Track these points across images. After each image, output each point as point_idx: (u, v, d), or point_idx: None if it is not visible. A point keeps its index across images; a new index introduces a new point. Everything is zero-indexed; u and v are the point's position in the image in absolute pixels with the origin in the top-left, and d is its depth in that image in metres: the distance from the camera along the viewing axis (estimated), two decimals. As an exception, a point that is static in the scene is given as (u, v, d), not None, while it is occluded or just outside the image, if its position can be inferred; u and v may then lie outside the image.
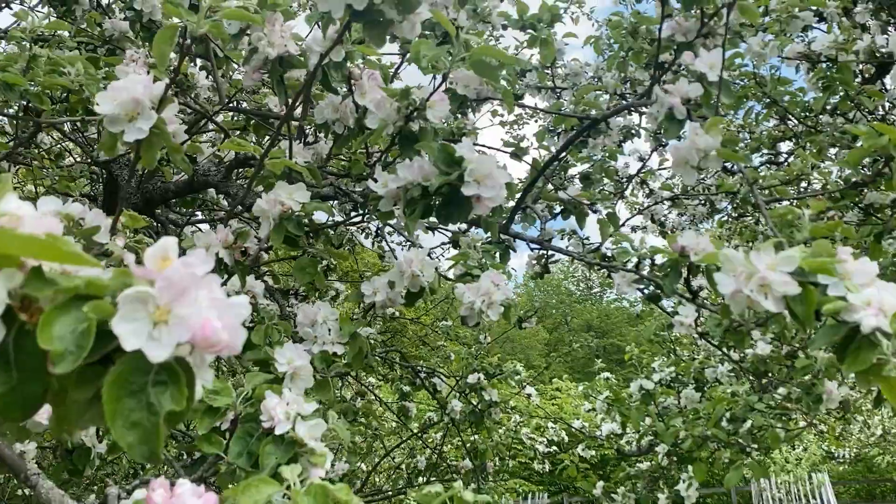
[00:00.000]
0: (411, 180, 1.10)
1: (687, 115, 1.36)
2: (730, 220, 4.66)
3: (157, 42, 0.89)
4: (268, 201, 1.25)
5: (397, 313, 4.28)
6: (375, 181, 1.16)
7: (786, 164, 4.33)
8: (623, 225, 2.14)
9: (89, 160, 2.61)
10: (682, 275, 1.46)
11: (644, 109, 3.35)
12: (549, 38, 2.02)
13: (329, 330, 1.52)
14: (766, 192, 2.16)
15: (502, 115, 3.22)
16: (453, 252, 1.81)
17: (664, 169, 4.64)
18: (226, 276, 1.30)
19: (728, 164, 2.71)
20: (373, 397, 4.14)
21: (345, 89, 1.45)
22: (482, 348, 4.30)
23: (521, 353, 21.47)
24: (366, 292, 1.57)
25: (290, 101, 1.46)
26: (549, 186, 2.37)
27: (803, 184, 3.46)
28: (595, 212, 2.08)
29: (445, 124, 1.69)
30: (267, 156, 1.21)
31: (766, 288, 0.90)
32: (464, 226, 2.01)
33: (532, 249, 2.14)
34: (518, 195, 2.03)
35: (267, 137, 2.25)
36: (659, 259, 1.61)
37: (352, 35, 1.37)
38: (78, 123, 1.93)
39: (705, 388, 3.64)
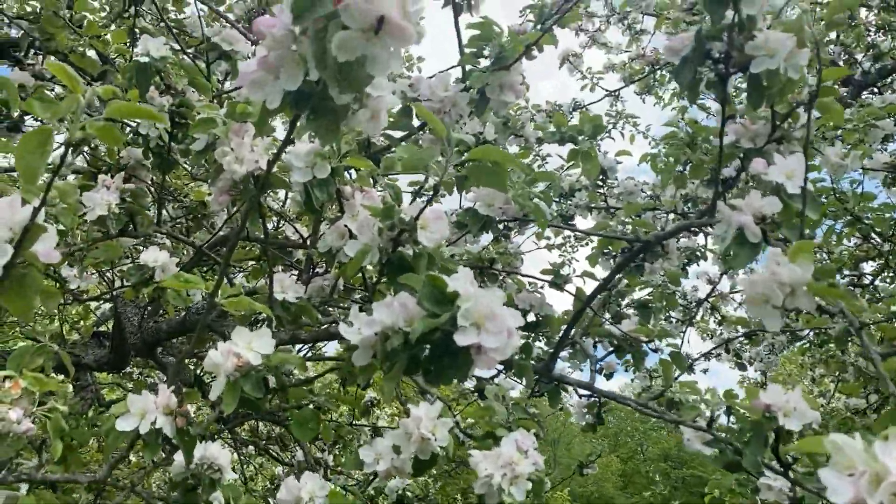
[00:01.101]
0: (390, 325, 0.81)
1: (762, 237, 1.05)
2: (812, 346, 4.21)
3: (22, 152, 0.65)
4: (222, 353, 0.98)
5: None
6: (350, 324, 0.88)
7: (871, 286, 3.91)
8: (694, 364, 1.79)
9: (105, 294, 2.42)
10: (768, 441, 1.12)
11: (708, 229, 3.04)
12: (591, 152, 1.76)
13: (316, 510, 1.21)
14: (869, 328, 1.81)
15: (548, 238, 2.95)
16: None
17: (738, 292, 4.26)
18: (168, 449, 1.01)
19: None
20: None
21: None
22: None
23: (593, 485, 20.27)
24: (366, 460, 1.27)
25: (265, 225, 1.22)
26: (607, 315, 2.06)
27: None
28: (655, 351, 1.75)
29: (463, 247, 1.41)
30: (217, 293, 0.95)
31: (910, 501, 0.57)
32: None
33: (580, 396, 1.80)
34: (560, 332, 1.72)
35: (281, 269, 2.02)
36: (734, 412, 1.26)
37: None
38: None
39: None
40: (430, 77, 1.44)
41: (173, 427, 0.99)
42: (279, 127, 1.70)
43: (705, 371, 4.41)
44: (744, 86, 1.53)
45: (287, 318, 1.31)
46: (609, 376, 2.44)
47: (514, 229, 2.53)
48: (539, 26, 1.75)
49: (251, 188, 1.14)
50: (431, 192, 0.92)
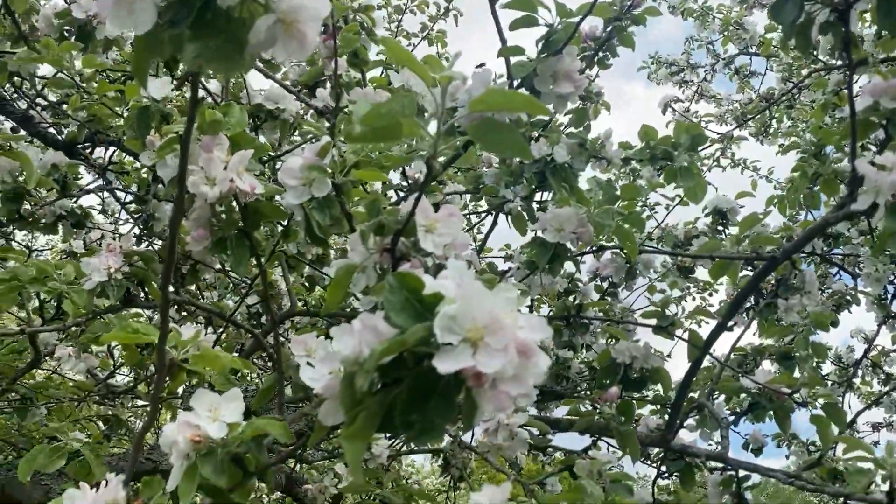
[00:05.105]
0: (351, 357, 0.54)
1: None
2: None
3: None
4: (178, 426, 0.73)
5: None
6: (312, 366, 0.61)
7: None
8: (853, 422, 1.38)
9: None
10: None
11: (860, 269, 2.57)
12: (692, 167, 1.44)
13: None
14: None
15: (663, 292, 2.56)
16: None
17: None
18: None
19: None
20: None
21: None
22: None
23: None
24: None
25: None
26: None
27: None
28: (803, 405, 1.35)
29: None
30: (164, 345, 0.71)
31: None
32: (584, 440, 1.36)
33: (711, 471, 1.42)
34: (676, 389, 1.38)
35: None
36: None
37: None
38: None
39: None
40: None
41: (121, 532, 0.74)
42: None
43: (876, 444, 3.72)
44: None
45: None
46: (758, 452, 2.01)
47: (621, 284, 2.20)
48: (609, 28, 1.49)
49: (235, 217, 0.91)
50: (424, 175, 0.65)
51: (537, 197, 1.47)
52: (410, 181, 1.56)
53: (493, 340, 0.49)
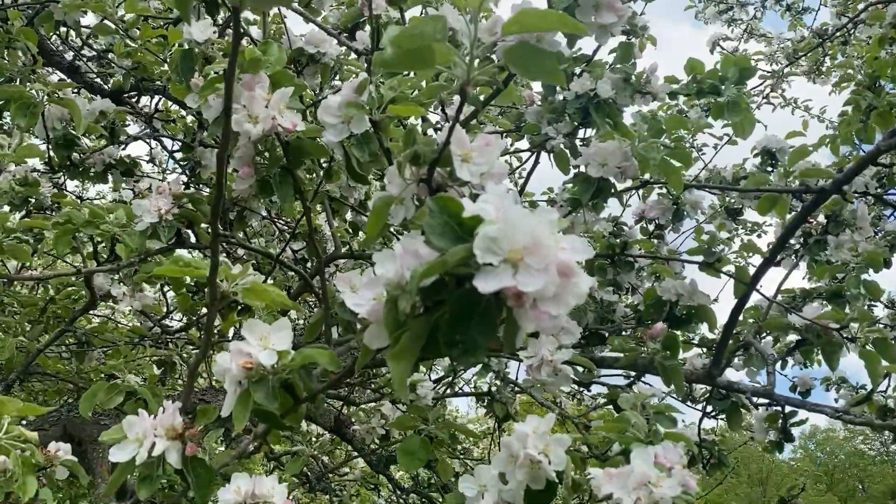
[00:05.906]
0: (395, 281, 0.55)
1: None
2: None
3: None
4: (231, 354, 0.76)
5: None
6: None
7: None
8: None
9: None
10: None
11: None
12: (740, 101, 1.40)
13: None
14: None
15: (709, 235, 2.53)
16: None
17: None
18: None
19: None
20: None
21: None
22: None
23: (810, 528, 18.23)
24: (468, 493, 1.02)
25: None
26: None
27: None
28: (852, 340, 1.34)
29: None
30: (215, 278, 0.73)
31: None
32: (620, 379, 1.36)
33: (757, 407, 1.42)
34: (722, 327, 1.37)
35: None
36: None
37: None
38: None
39: None
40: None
41: (180, 455, 0.77)
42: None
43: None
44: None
45: (356, 323, 1.08)
46: (805, 395, 2.00)
47: (667, 226, 2.17)
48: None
49: (278, 155, 0.92)
50: (459, 98, 0.65)
51: (580, 134, 1.46)
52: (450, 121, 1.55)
53: (533, 260, 0.49)
